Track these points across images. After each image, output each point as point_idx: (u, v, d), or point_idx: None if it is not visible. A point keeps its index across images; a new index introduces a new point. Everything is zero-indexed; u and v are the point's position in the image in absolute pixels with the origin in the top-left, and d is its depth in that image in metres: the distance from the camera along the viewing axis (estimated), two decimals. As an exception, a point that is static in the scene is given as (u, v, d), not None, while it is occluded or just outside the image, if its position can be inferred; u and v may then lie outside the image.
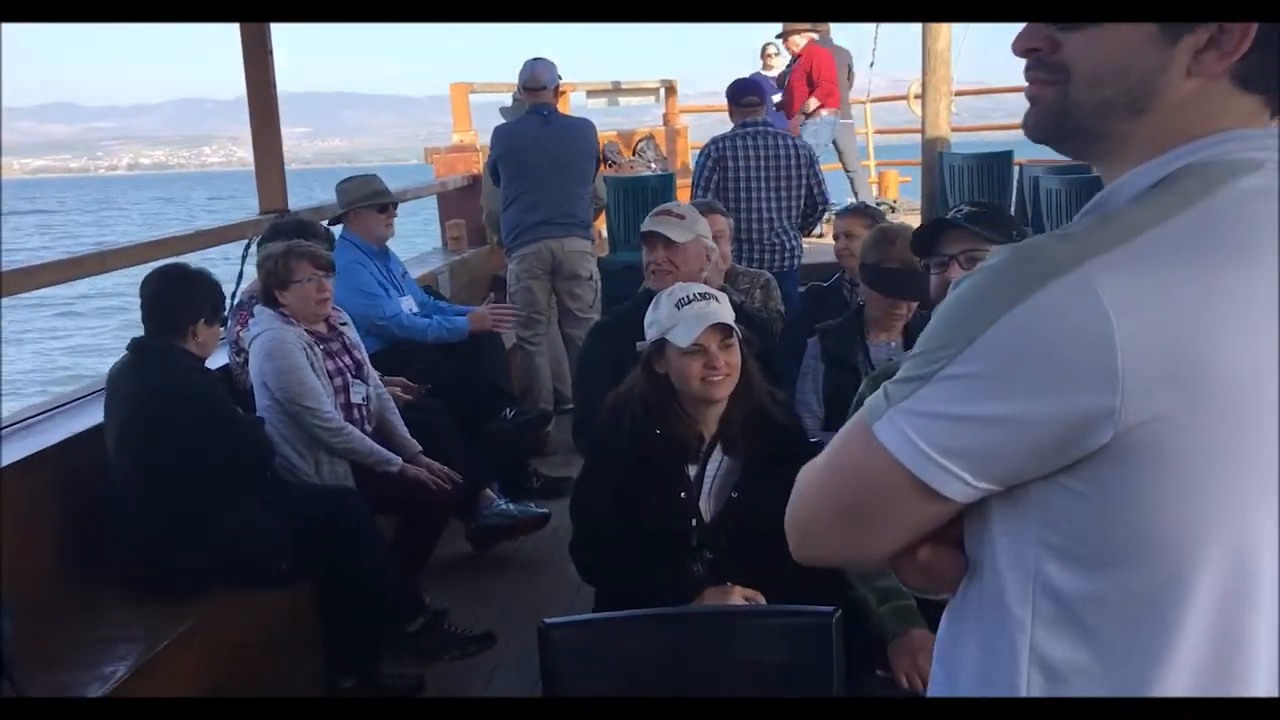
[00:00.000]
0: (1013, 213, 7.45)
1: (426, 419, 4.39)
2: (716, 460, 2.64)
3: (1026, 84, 1.04)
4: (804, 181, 5.77)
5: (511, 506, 4.53)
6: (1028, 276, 0.92)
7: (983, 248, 2.40)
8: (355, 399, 3.96)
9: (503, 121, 6.44)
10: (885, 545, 1.06)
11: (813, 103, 9.02)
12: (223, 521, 3.28)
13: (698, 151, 9.78)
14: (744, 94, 6.05)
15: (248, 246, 5.11)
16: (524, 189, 5.84)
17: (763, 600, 2.45)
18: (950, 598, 1.10)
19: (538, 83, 5.90)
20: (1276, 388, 0.90)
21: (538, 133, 5.83)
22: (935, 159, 7.36)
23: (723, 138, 5.86)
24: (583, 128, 6.16)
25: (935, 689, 1.12)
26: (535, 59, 5.96)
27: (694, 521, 2.60)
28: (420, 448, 4.06)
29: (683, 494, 2.60)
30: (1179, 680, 0.94)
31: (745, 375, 2.59)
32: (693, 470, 2.62)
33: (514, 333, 6.30)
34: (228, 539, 3.27)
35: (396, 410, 4.15)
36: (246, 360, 4.26)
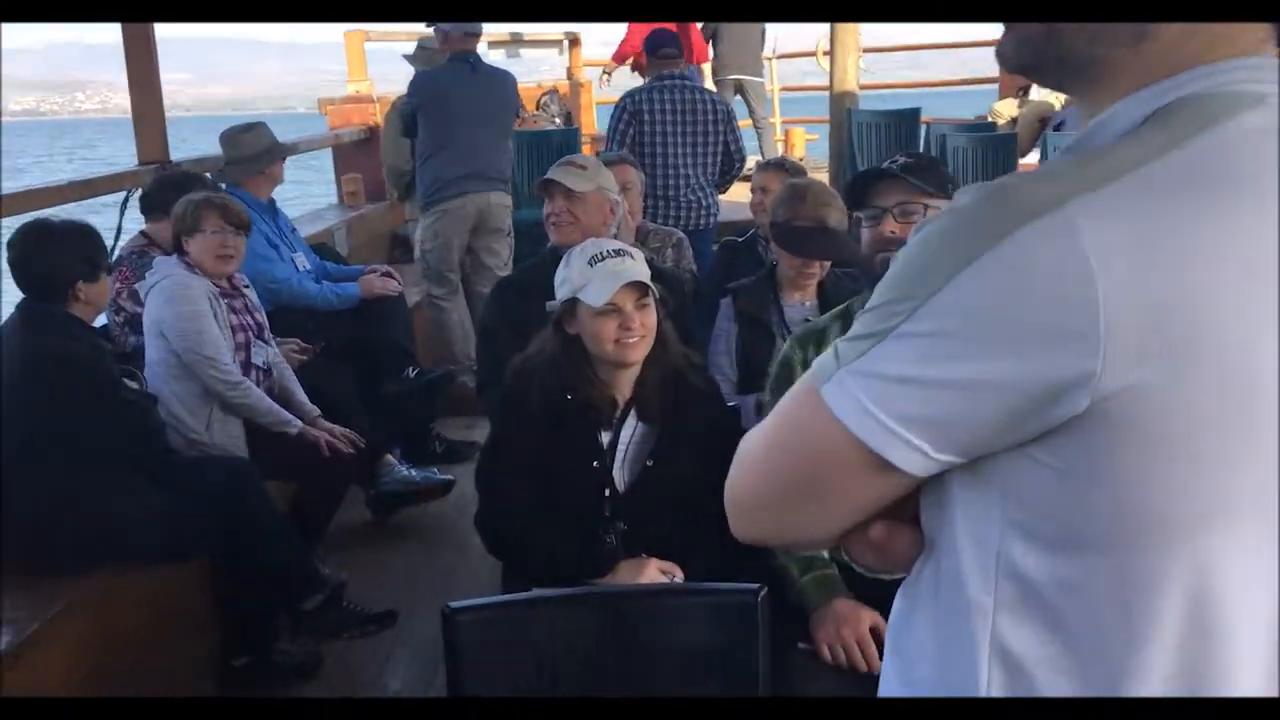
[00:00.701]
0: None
1: (322, 381, 4.21)
2: (630, 426, 2.51)
3: None
4: (721, 138, 5.64)
5: (414, 472, 4.36)
6: (999, 219, 0.80)
7: (918, 200, 2.30)
8: (256, 360, 3.78)
9: (411, 69, 6.22)
10: (834, 523, 0.95)
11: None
12: (110, 501, 3.07)
13: (602, 106, 9.70)
14: (662, 45, 5.90)
15: (125, 200, 4.82)
16: (447, 140, 5.61)
17: (679, 573, 2.35)
18: (904, 576, 1.00)
19: (476, 28, 5.71)
20: (1276, 356, 0.79)
21: (465, 81, 5.62)
22: (843, 116, 7.30)
23: (639, 90, 5.70)
24: (506, 78, 5.96)
25: (888, 677, 1.01)
26: None
27: (607, 491, 2.47)
28: (319, 411, 3.88)
29: (595, 462, 2.47)
30: (1156, 673, 0.85)
31: (661, 337, 2.47)
32: (605, 437, 2.49)
33: (418, 289, 6.12)
34: (116, 517, 3.06)
35: (294, 376, 3.95)
36: (127, 320, 4.04)
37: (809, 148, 11.11)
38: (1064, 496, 0.83)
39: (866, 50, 8.38)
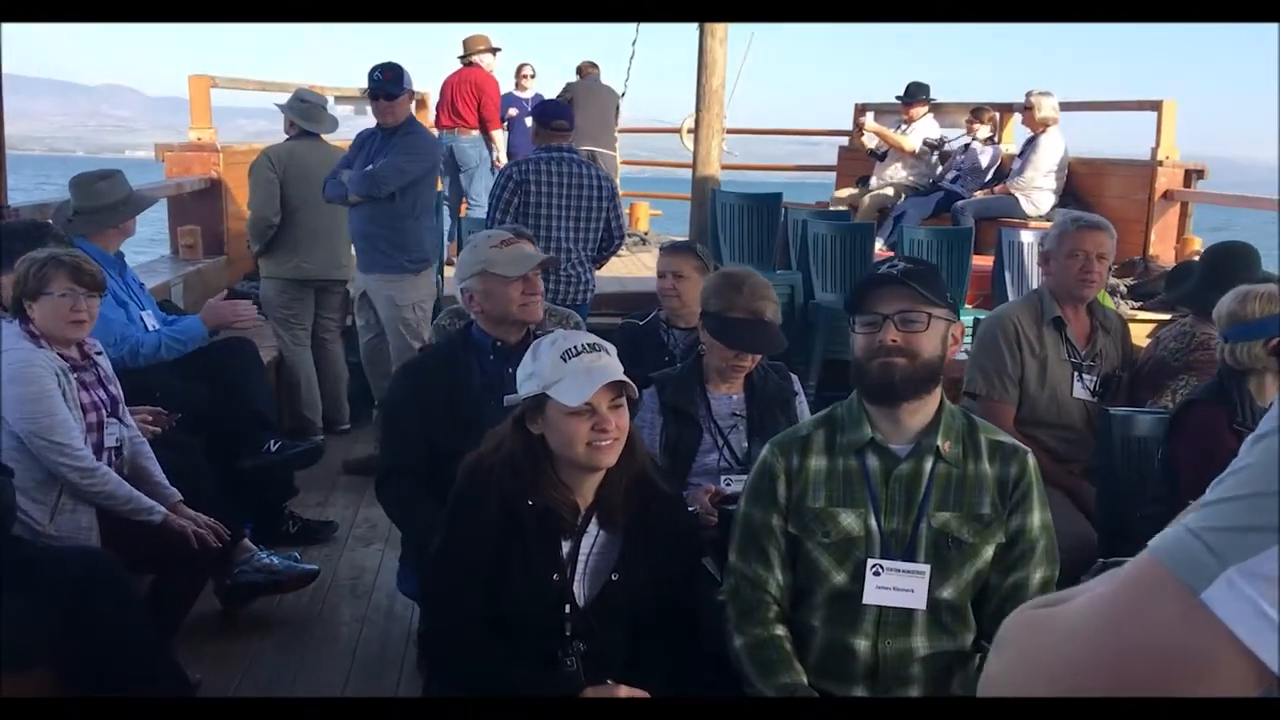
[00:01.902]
0: (778, 254, 7.50)
1: (176, 457, 3.81)
2: (592, 535, 2.30)
3: None
4: (604, 213, 5.53)
5: (275, 559, 3.99)
6: None
7: (920, 309, 2.20)
8: (109, 441, 3.38)
9: (284, 119, 5.93)
10: None
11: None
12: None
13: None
14: (554, 117, 5.77)
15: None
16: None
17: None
18: None
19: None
20: None
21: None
22: (707, 196, 7.29)
23: (525, 161, 5.54)
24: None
25: None
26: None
27: (567, 607, 2.24)
28: (181, 496, 3.49)
29: (554, 575, 2.24)
30: None
31: (629, 439, 2.27)
32: (566, 546, 2.27)
33: (273, 346, 5.78)
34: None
35: (152, 455, 3.55)
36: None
37: (652, 223, 11.14)
38: None
39: (730, 132, 8.44)
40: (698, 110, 7.27)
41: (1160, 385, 3.71)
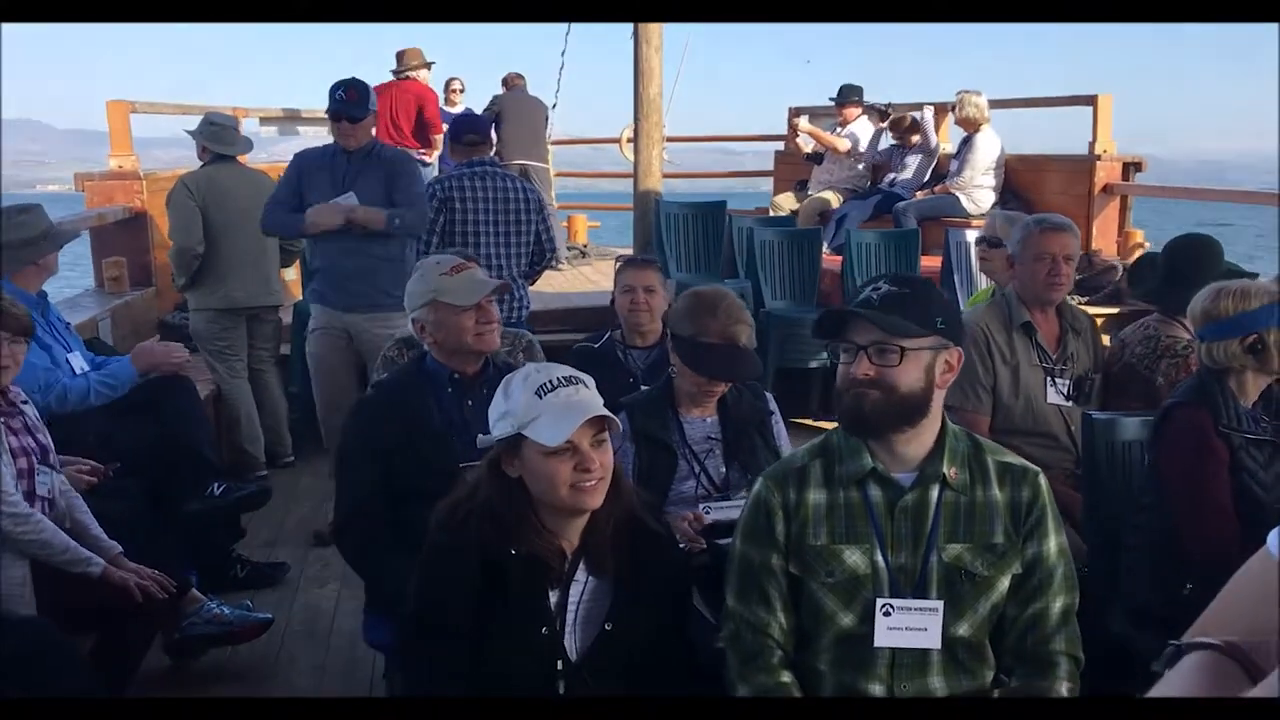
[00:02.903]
0: (724, 262, 7.40)
1: (113, 505, 3.58)
2: (581, 582, 2.14)
3: None
4: (533, 227, 5.41)
5: (225, 609, 3.77)
6: None
7: (893, 342, 2.06)
8: (40, 490, 3.15)
9: (195, 145, 5.68)
10: None
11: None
12: None
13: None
14: (466, 131, 5.63)
15: None
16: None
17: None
18: None
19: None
20: None
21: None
22: (650, 205, 7.16)
23: (448, 177, 5.43)
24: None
25: None
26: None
27: (559, 663, 2.09)
28: (120, 548, 3.27)
29: (543, 628, 2.09)
30: None
31: (614, 476, 2.12)
32: (553, 597, 2.12)
33: (209, 379, 5.55)
34: None
35: (87, 509, 3.33)
36: None
37: (590, 234, 11.00)
38: None
39: (669, 140, 8.33)
40: (636, 119, 7.15)
41: (1131, 391, 3.64)
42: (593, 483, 2.05)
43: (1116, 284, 7.26)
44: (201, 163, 5.76)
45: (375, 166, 4.90)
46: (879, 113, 9.10)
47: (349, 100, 4.81)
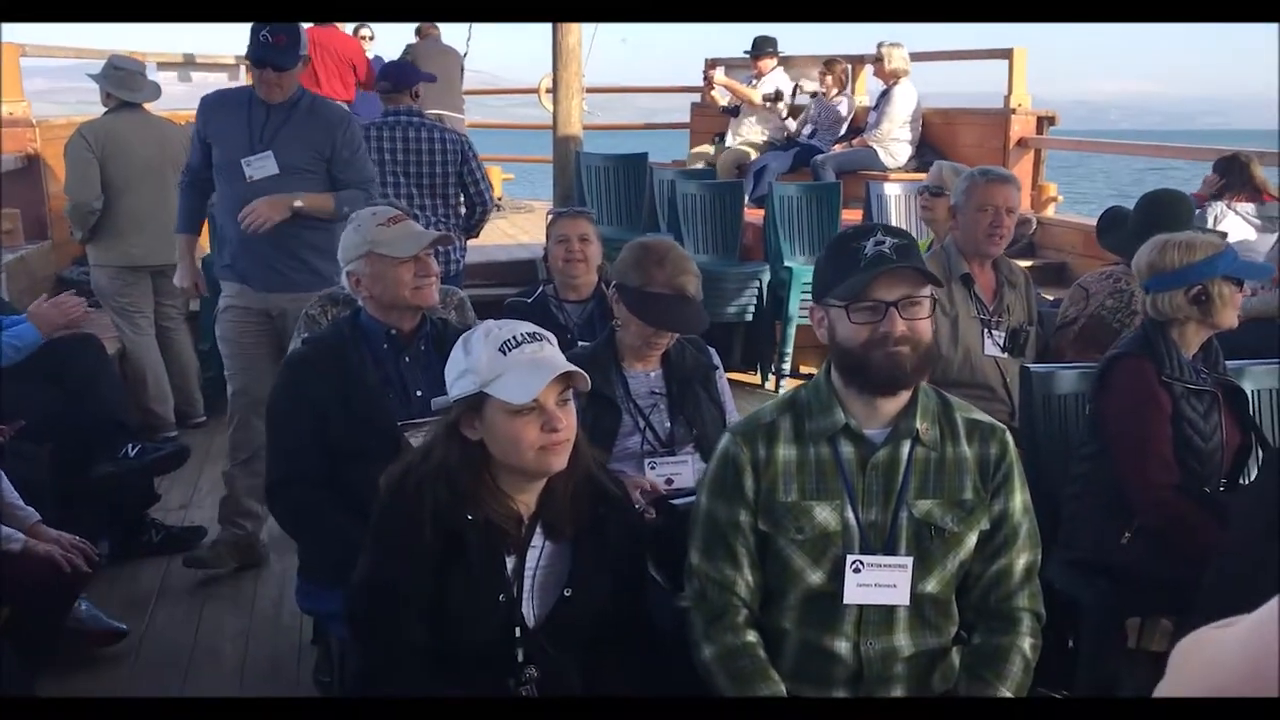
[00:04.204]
0: (646, 215, 7.31)
1: (17, 469, 3.40)
2: (537, 548, 2.06)
3: None
4: (460, 178, 5.25)
5: (84, 604, 3.52)
6: None
7: (921, 294, 2.01)
8: (-52, 459, 2.96)
9: (100, 91, 5.39)
10: None
11: None
12: None
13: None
14: (380, 79, 5.45)
15: None
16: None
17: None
18: None
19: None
20: None
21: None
22: (570, 158, 7.03)
23: (365, 127, 5.18)
24: None
25: None
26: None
27: (517, 630, 2.01)
28: (38, 516, 3.11)
29: (500, 595, 2.00)
30: None
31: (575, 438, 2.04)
32: (510, 563, 2.03)
33: (115, 337, 5.31)
34: None
35: (1, 473, 3.15)
36: None
37: (505, 187, 10.80)
38: None
39: (589, 90, 8.17)
40: (555, 69, 7.00)
41: (1101, 341, 3.64)
42: (559, 443, 1.96)
43: (1031, 237, 7.36)
44: (105, 110, 5.48)
45: (302, 122, 4.10)
46: (770, 100, 9.07)
47: (276, 46, 3.98)
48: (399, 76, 5.58)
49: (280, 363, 3.21)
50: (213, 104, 4.26)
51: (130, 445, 4.08)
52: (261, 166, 4.05)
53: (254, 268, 4.11)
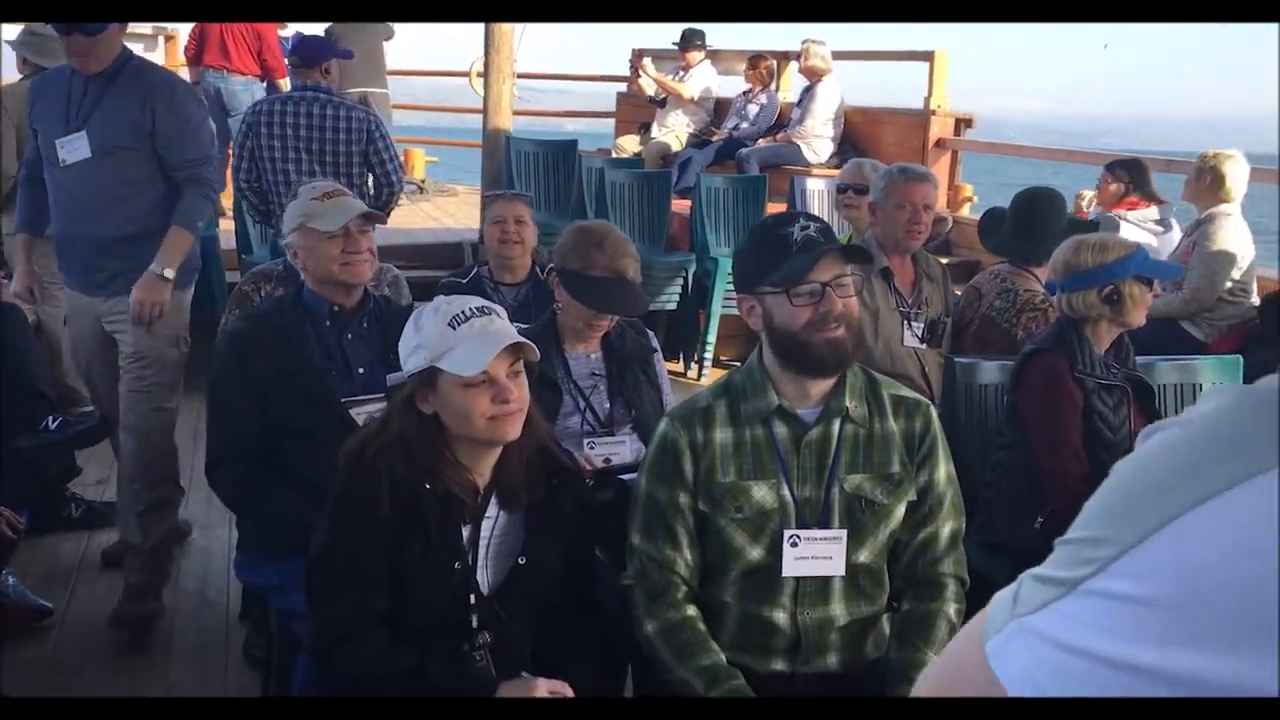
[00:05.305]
0: (574, 203, 7.36)
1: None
2: (492, 518, 2.12)
3: None
4: (363, 158, 5.04)
5: (10, 577, 3.51)
6: (1255, 443, 0.57)
7: (849, 274, 2.11)
8: None
9: (15, 57, 5.24)
10: None
11: None
12: None
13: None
14: (290, 54, 5.34)
15: None
16: None
17: (569, 692, 2.00)
18: None
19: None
20: None
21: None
22: (499, 142, 7.04)
23: (264, 102, 5.15)
24: None
25: None
26: None
27: (472, 597, 2.07)
28: (-39, 486, 3.06)
29: (456, 563, 2.06)
30: None
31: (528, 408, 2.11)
32: (466, 532, 2.09)
33: (30, 307, 5.18)
34: None
35: None
36: None
37: (428, 170, 10.76)
38: None
39: (520, 76, 8.17)
40: (486, 53, 7.00)
41: (992, 342, 3.80)
42: (511, 413, 2.02)
43: (947, 235, 7.58)
44: (21, 75, 5.35)
45: (122, 93, 3.55)
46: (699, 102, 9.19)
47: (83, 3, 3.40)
48: (308, 52, 5.43)
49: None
50: (39, 87, 3.79)
51: (50, 418, 4.03)
52: (74, 148, 3.54)
53: (78, 267, 3.69)
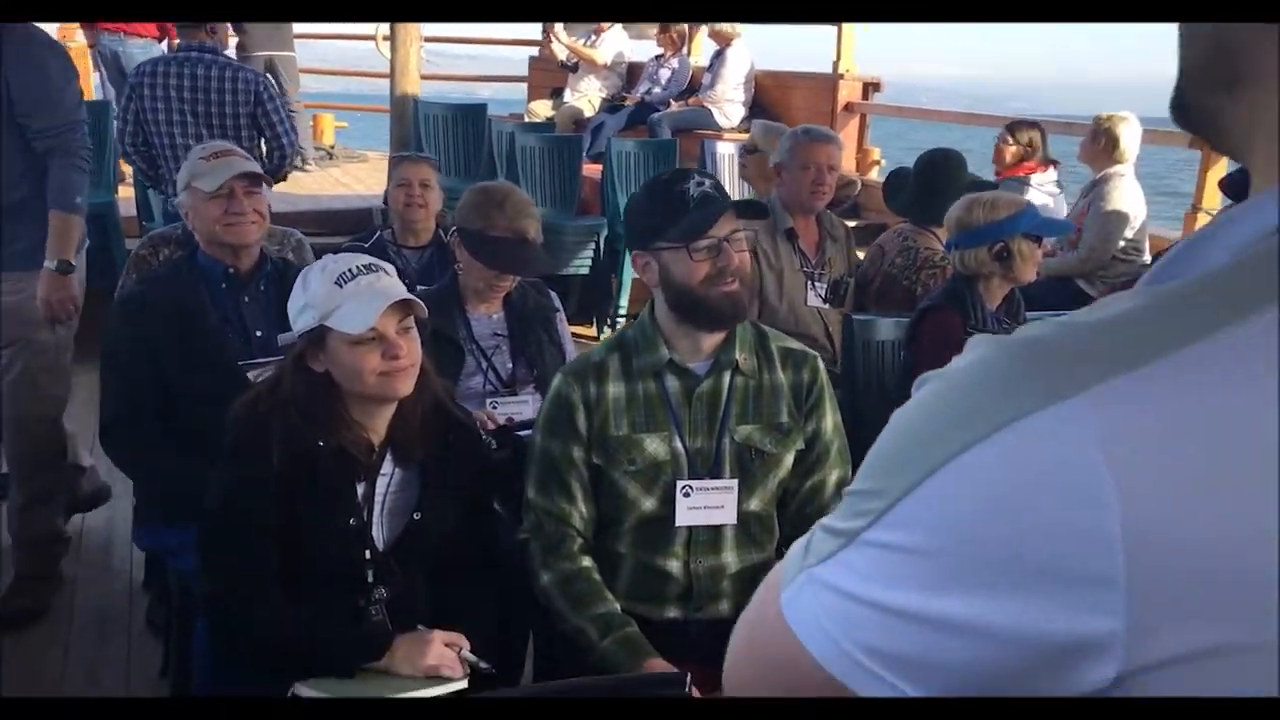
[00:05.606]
0: (484, 167, 7.32)
1: None
2: (387, 474, 2.13)
3: None
4: (252, 120, 4.86)
5: None
6: (1006, 394, 0.57)
7: (743, 230, 2.15)
8: None
9: None
10: None
11: None
12: None
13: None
14: None
15: None
16: None
17: (465, 644, 2.02)
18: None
19: None
20: None
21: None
22: (407, 107, 6.97)
23: (147, 63, 4.94)
24: None
25: None
26: None
27: (367, 553, 2.08)
28: None
29: (351, 519, 2.07)
30: None
31: (421, 365, 2.12)
32: (360, 488, 2.10)
33: None
34: None
35: None
36: None
37: (338, 135, 10.60)
38: None
39: (428, 40, 8.08)
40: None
41: (892, 299, 3.89)
42: (401, 369, 2.03)
43: (855, 198, 7.68)
44: None
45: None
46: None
47: None
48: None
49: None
50: None
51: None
52: None
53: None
